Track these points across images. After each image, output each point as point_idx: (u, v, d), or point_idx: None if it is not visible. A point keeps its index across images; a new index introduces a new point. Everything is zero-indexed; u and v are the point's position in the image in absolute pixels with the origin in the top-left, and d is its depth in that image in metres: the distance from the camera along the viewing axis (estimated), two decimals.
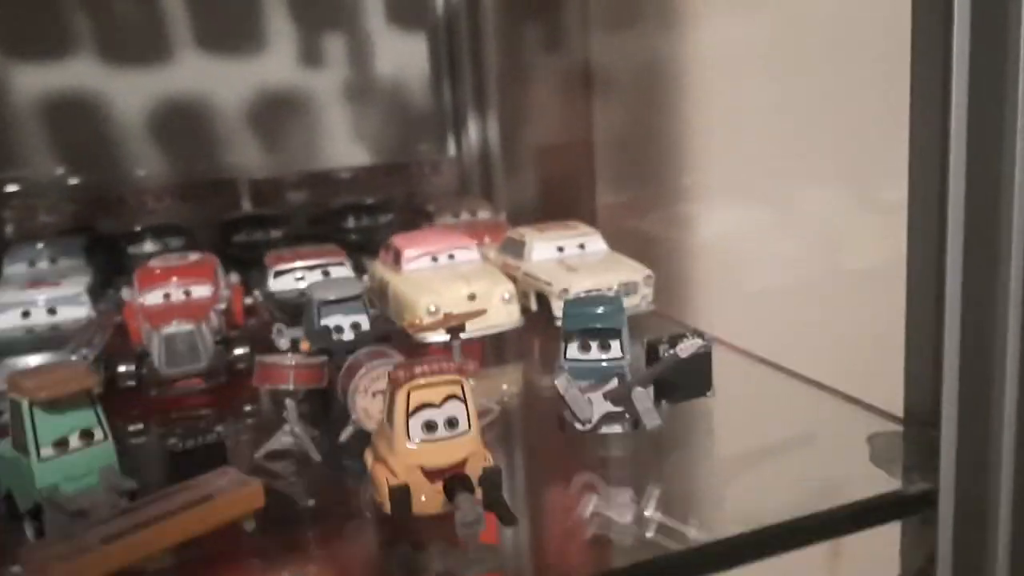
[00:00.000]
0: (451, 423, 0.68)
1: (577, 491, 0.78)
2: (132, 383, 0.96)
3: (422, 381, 0.67)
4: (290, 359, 0.81)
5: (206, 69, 1.53)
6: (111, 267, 1.28)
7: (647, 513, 0.74)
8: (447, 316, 0.90)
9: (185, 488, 0.69)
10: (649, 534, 0.72)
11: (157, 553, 0.64)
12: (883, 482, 0.74)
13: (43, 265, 1.21)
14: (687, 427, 0.85)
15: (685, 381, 0.84)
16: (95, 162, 1.50)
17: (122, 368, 0.95)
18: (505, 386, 1.02)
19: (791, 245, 1.30)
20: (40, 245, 1.24)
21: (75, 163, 1.50)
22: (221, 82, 1.54)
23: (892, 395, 0.83)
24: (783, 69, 1.29)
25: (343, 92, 1.63)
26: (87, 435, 0.70)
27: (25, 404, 0.68)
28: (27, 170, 1.47)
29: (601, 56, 1.66)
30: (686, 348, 0.76)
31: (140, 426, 0.94)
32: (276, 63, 1.57)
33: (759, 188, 1.35)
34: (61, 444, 0.69)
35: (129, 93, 1.49)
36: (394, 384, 0.67)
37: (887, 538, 0.86)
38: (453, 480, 0.65)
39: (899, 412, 0.81)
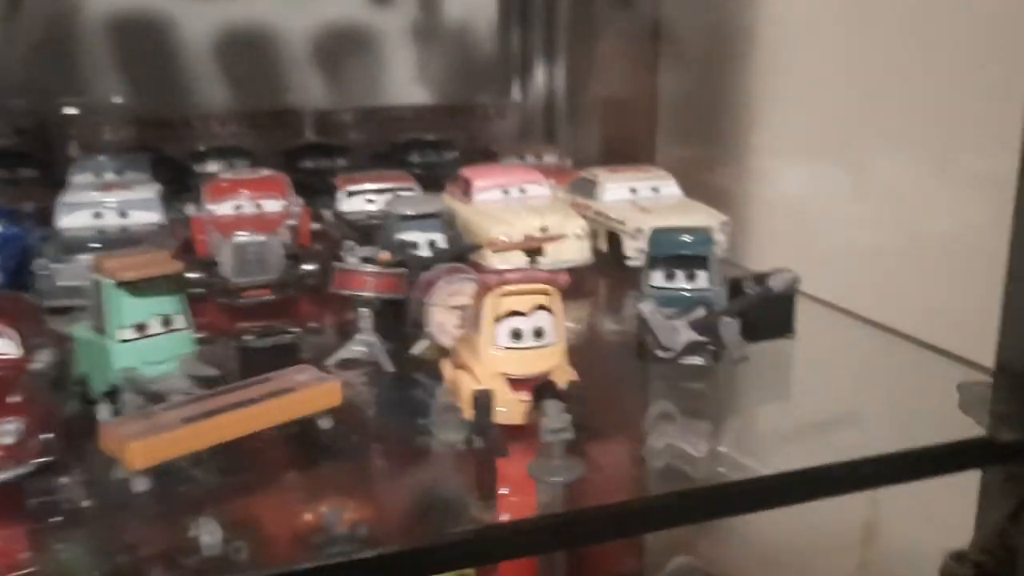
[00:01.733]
0: (538, 333, 0.66)
1: (653, 420, 0.76)
2: (200, 291, 0.95)
3: (512, 288, 0.65)
4: (370, 267, 0.79)
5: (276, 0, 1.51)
6: (175, 186, 1.27)
7: (722, 448, 0.72)
8: (527, 238, 0.88)
9: (264, 379, 0.68)
10: (722, 469, 0.70)
11: (234, 438, 0.63)
12: (971, 429, 0.72)
13: (109, 176, 1.21)
14: (769, 366, 0.82)
15: (768, 320, 0.82)
16: (161, 86, 1.50)
17: (191, 274, 0.94)
18: (576, 320, 1.00)
19: (865, 206, 1.27)
20: (105, 158, 1.24)
21: (141, 86, 1.49)
22: (289, 13, 1.52)
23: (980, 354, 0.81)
24: (859, 30, 1.26)
25: (410, 30, 1.61)
26: (168, 321, 0.69)
27: (109, 284, 0.67)
28: (94, 91, 1.47)
29: (671, 11, 1.63)
30: (778, 281, 0.74)
31: (208, 335, 0.93)
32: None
33: (831, 151, 1.32)
34: (141, 327, 0.68)
35: (198, 19, 1.48)
36: (483, 289, 0.66)
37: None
38: (542, 387, 0.63)
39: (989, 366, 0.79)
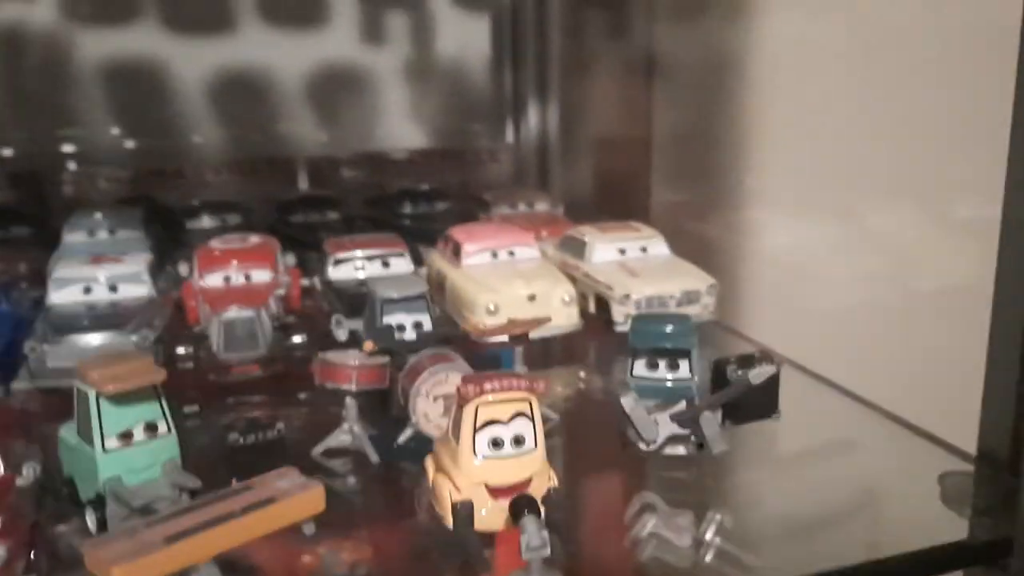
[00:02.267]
0: (518, 441, 0.67)
1: (636, 510, 0.76)
2: (189, 365, 0.96)
3: (491, 398, 0.66)
4: (353, 359, 0.80)
5: (268, 41, 1.52)
6: (169, 239, 1.28)
7: (707, 537, 0.73)
8: (511, 322, 0.89)
9: (246, 488, 0.68)
10: (708, 559, 0.71)
11: (217, 554, 0.64)
12: (954, 524, 0.72)
13: (102, 235, 1.22)
14: (751, 451, 0.83)
15: (752, 403, 0.82)
16: (155, 133, 1.51)
17: (181, 350, 0.95)
18: (562, 390, 1.00)
19: (858, 260, 1.27)
20: (99, 215, 1.24)
21: (134, 131, 1.50)
22: (282, 55, 1.53)
23: (965, 431, 0.81)
24: (855, 73, 1.25)
25: (403, 72, 1.61)
26: (152, 428, 0.70)
27: (92, 395, 0.68)
28: (87, 137, 1.48)
29: (665, 48, 1.63)
30: (759, 374, 0.75)
31: (196, 408, 0.93)
32: (337, 39, 1.55)
33: (825, 198, 1.32)
34: (126, 436, 0.69)
35: (190, 63, 1.49)
36: (462, 399, 0.66)
37: None
38: (520, 501, 0.64)
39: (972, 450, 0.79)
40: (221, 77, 1.51)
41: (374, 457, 0.80)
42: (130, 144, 1.50)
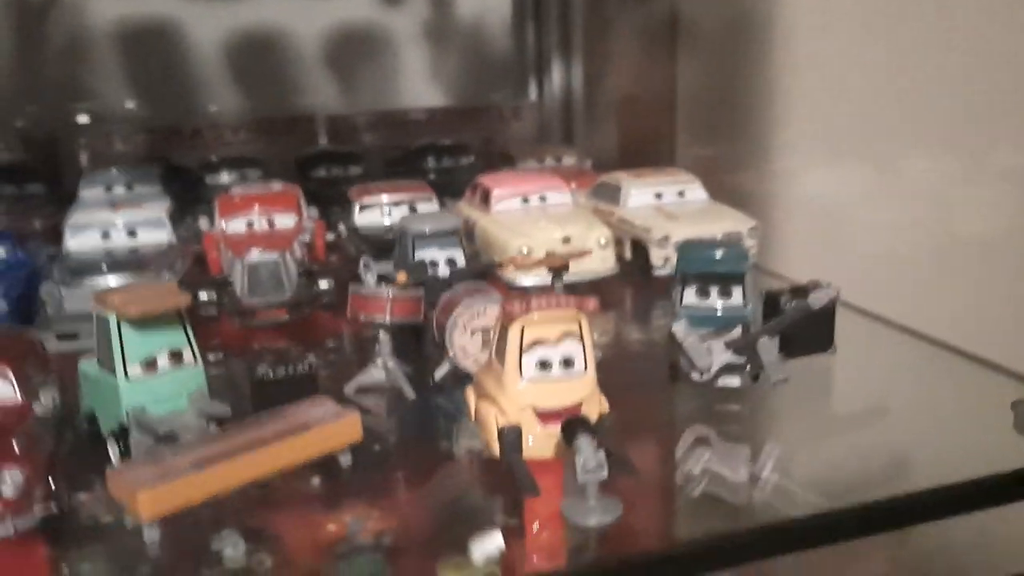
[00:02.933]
0: (567, 363, 0.62)
1: (688, 444, 0.72)
2: (213, 312, 0.92)
3: (537, 316, 0.61)
4: (387, 290, 0.76)
5: (285, 2, 1.48)
6: (187, 196, 1.24)
7: (763, 473, 0.68)
8: (550, 255, 0.84)
9: (279, 416, 0.64)
10: (763, 496, 0.66)
11: (248, 482, 0.60)
12: None
13: (119, 190, 1.18)
14: (808, 385, 0.78)
15: (807, 335, 0.78)
16: (171, 94, 1.47)
17: (203, 296, 0.91)
18: (603, 335, 0.96)
19: (896, 206, 1.23)
20: (116, 171, 1.21)
21: (151, 94, 1.47)
22: (300, 16, 1.49)
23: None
24: (888, 21, 1.21)
25: (423, 31, 1.57)
26: (177, 356, 0.66)
27: (113, 320, 0.64)
28: (103, 100, 1.44)
29: (689, 3, 1.58)
30: (818, 298, 0.70)
31: (221, 355, 0.90)
32: None
33: (860, 148, 1.28)
34: (150, 364, 0.65)
35: (207, 25, 1.45)
36: (507, 318, 0.62)
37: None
38: (573, 422, 0.59)
39: None
40: (238, 39, 1.47)
41: (410, 393, 0.76)
42: (147, 106, 1.47)
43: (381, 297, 0.75)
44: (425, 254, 0.84)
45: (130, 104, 1.46)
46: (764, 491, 0.66)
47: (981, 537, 0.78)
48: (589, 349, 0.63)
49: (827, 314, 0.78)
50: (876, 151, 1.26)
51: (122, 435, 0.64)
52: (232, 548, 0.56)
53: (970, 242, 1.12)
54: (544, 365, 0.62)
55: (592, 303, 0.63)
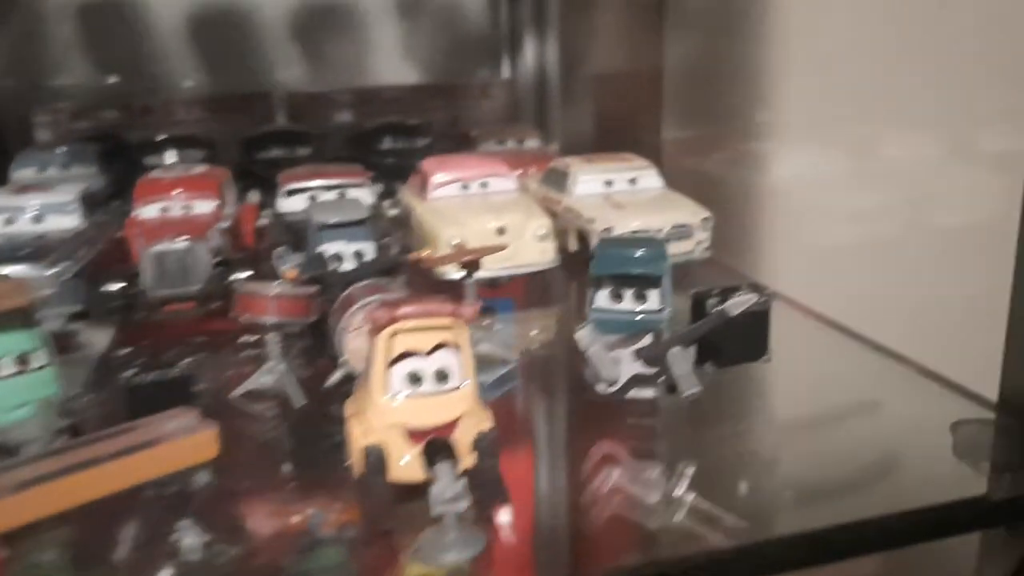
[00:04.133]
0: (441, 376, 0.56)
1: (597, 463, 0.66)
2: (118, 304, 0.86)
3: (407, 324, 0.55)
4: (273, 288, 0.70)
5: None
6: (127, 177, 1.18)
7: (676, 493, 0.62)
8: (459, 249, 0.78)
9: (130, 430, 0.59)
10: (677, 518, 0.60)
11: (81, 503, 0.54)
12: (968, 481, 0.61)
13: (53, 171, 1.13)
14: (734, 397, 0.72)
15: (737, 342, 0.71)
16: (126, 68, 1.41)
17: (106, 287, 0.86)
18: (532, 334, 0.90)
19: (872, 196, 1.15)
20: (54, 151, 1.16)
21: (105, 68, 1.41)
22: None
23: (983, 375, 0.69)
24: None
25: (394, 5, 1.50)
26: (24, 360, 0.60)
27: None
28: (54, 74, 1.39)
29: None
30: (736, 304, 0.64)
31: (127, 351, 0.84)
32: None
33: (840, 130, 1.20)
34: None
35: None
36: (374, 326, 0.56)
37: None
38: (433, 445, 0.53)
39: (991, 396, 0.67)
40: (200, 13, 1.41)
41: (298, 400, 0.70)
42: (100, 81, 1.41)
43: (264, 296, 0.69)
44: (331, 246, 0.78)
45: (85, 79, 1.40)
46: (678, 513, 0.60)
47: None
48: (467, 358, 0.57)
49: (758, 321, 0.71)
50: (855, 133, 1.18)
51: None
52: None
53: (946, 234, 1.04)
54: (415, 379, 0.56)
55: (471, 310, 0.57)
